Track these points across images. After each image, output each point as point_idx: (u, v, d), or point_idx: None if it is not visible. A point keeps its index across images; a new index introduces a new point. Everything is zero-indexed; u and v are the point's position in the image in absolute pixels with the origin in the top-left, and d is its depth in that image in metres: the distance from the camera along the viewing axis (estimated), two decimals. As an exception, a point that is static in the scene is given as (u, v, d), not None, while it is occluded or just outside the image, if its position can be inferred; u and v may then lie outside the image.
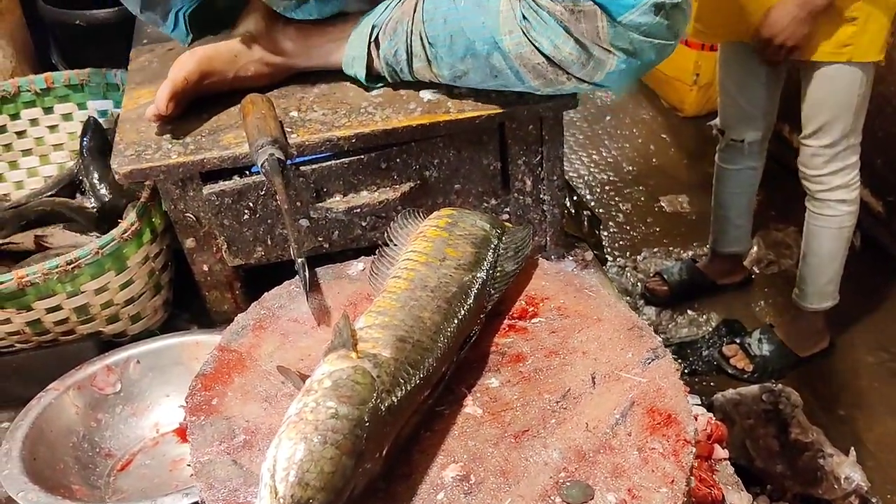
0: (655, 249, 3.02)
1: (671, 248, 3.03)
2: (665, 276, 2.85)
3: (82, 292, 1.23)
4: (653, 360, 0.82)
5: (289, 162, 1.13)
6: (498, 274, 0.90)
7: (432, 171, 1.29)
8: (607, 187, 3.37)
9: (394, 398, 0.70)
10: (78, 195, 1.54)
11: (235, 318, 0.93)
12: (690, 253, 2.99)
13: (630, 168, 3.47)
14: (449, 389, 0.81)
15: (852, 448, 2.01)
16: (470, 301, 0.83)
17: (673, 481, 0.71)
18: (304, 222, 1.28)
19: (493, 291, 0.88)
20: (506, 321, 0.89)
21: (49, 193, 1.54)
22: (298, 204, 1.27)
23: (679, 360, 2.55)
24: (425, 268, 0.84)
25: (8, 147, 1.61)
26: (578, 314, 0.89)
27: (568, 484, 0.71)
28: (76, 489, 1.10)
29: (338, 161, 1.25)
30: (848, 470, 1.90)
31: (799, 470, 1.96)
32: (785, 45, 2.06)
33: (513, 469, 0.73)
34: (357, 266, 0.99)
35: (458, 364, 0.82)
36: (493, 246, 0.92)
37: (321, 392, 0.68)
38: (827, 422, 2.27)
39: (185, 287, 1.41)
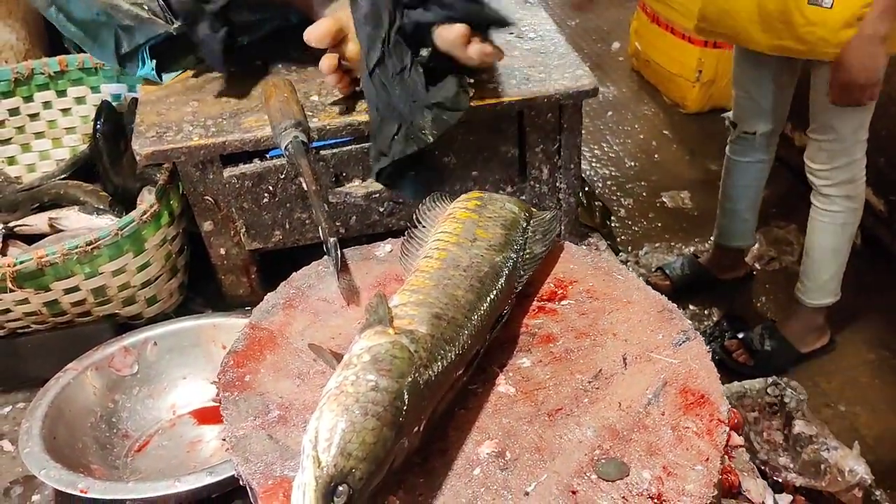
0: (657, 245, 3.03)
1: (673, 244, 3.04)
2: (667, 271, 2.85)
3: (100, 273, 1.23)
4: (684, 341, 0.82)
5: (312, 145, 1.13)
6: (527, 256, 0.90)
7: (451, 158, 1.29)
8: (609, 182, 3.38)
9: (431, 373, 0.71)
10: (91, 179, 1.54)
11: (265, 297, 0.93)
12: (692, 248, 3.00)
13: (632, 164, 3.48)
14: (481, 368, 0.81)
15: (856, 442, 2.02)
16: (501, 281, 0.83)
17: (708, 459, 0.72)
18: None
19: (522, 273, 0.88)
20: (535, 303, 0.90)
21: (62, 176, 1.54)
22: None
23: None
24: (457, 248, 0.85)
25: (21, 129, 1.60)
26: (608, 297, 0.89)
27: (603, 461, 0.72)
28: (95, 468, 1.10)
29: (358, 146, 1.25)
30: (852, 463, 1.91)
31: (803, 463, 1.97)
32: (868, 84, 2.05)
33: (547, 446, 0.74)
34: (385, 248, 0.99)
35: (490, 343, 0.82)
36: (521, 228, 0.92)
37: (361, 366, 0.68)
38: (828, 418, 2.29)
39: (199, 271, 1.41)
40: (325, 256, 0.97)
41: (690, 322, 0.85)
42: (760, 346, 2.51)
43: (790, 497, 1.92)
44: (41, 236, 1.43)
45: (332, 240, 0.95)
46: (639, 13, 3.82)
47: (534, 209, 1.00)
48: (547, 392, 0.79)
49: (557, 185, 1.38)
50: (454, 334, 0.75)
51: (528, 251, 0.91)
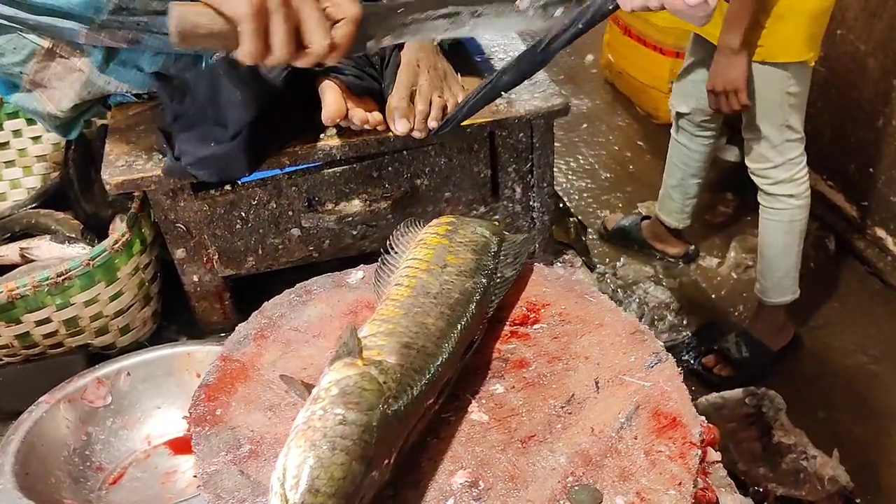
0: (634, 256, 3.04)
1: (650, 254, 3.05)
2: (608, 227, 3.10)
3: (72, 304, 1.22)
4: (656, 363, 0.83)
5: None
6: (498, 280, 0.90)
7: (423, 180, 1.30)
8: (585, 194, 3.38)
9: (401, 404, 0.70)
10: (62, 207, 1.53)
11: (236, 328, 0.93)
12: (666, 259, 3.01)
13: (607, 175, 3.49)
14: (454, 396, 0.81)
15: (836, 449, 2.03)
16: (472, 307, 0.83)
17: (681, 483, 0.72)
18: (295, 231, 1.28)
19: (493, 297, 0.89)
20: (507, 327, 0.90)
21: (33, 205, 1.53)
22: (290, 213, 1.27)
23: (661, 366, 2.56)
24: (427, 275, 0.84)
25: (-10, 159, 1.59)
26: (580, 319, 0.90)
27: (577, 488, 0.72)
28: (68, 503, 1.08)
29: (330, 170, 1.25)
30: (832, 471, 1.93)
31: (782, 472, 1.97)
32: (726, 91, 2.16)
33: (521, 474, 0.73)
34: (357, 275, 0.99)
35: (461, 370, 0.82)
36: (493, 252, 0.92)
37: (329, 399, 0.68)
38: (808, 424, 2.29)
39: (173, 298, 1.40)
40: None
41: (662, 343, 0.86)
42: (738, 353, 2.52)
43: (771, 507, 1.93)
44: (13, 266, 1.41)
45: None
46: (611, 25, 3.84)
47: (506, 232, 1.00)
48: (520, 419, 0.79)
49: (531, 203, 1.38)
50: (424, 363, 0.74)
51: (499, 275, 0.91)
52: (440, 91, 1.21)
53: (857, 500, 1.97)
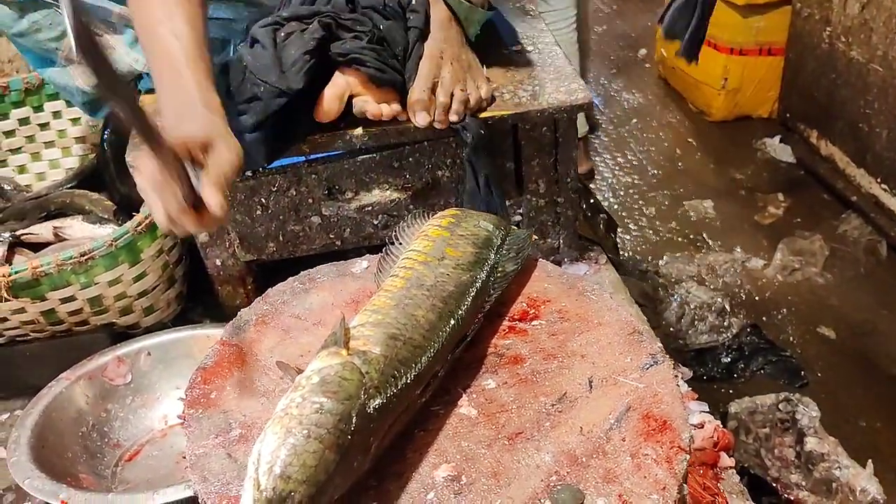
0: (678, 254, 2.99)
1: (694, 254, 2.99)
2: None
3: (96, 284, 1.25)
4: (651, 365, 0.81)
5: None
6: (498, 274, 0.89)
7: (444, 171, 1.29)
8: (631, 191, 3.34)
9: (383, 395, 0.70)
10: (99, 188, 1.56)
11: (239, 313, 0.94)
12: (713, 258, 2.95)
13: (655, 172, 3.43)
14: (445, 389, 0.81)
15: (869, 461, 1.97)
16: (467, 301, 0.83)
17: (664, 488, 0.70)
18: (315, 219, 1.29)
19: (491, 291, 0.88)
20: (506, 322, 0.89)
21: (69, 185, 1.57)
22: (310, 201, 1.27)
23: (697, 367, 2.52)
24: (423, 266, 0.84)
25: (31, 139, 1.63)
26: (579, 317, 0.88)
27: (559, 487, 0.71)
28: (83, 478, 1.11)
29: (351, 159, 1.25)
30: (864, 482, 1.87)
31: (814, 481, 1.93)
32: None
33: (504, 471, 0.73)
34: (361, 264, 0.99)
35: (453, 364, 0.82)
36: (494, 246, 0.91)
37: (308, 388, 0.68)
38: (848, 432, 2.23)
39: (199, 281, 1.42)
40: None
41: (660, 345, 0.84)
42: None
43: (802, 515, 1.89)
44: (46, 244, 1.45)
45: None
46: (666, 19, 3.79)
47: (513, 227, 1.00)
48: (509, 415, 0.78)
49: (555, 198, 1.37)
50: (410, 355, 0.74)
51: (500, 269, 0.90)
52: (463, 84, 1.21)
53: (890, 513, 1.91)
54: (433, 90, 1.19)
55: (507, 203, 1.35)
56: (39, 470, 1.04)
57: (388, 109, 1.18)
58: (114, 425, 1.22)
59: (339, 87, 1.17)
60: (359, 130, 1.22)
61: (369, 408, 0.68)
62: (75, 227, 1.45)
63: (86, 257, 1.22)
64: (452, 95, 1.19)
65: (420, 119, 1.18)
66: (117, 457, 1.19)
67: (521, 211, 1.37)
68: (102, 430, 1.20)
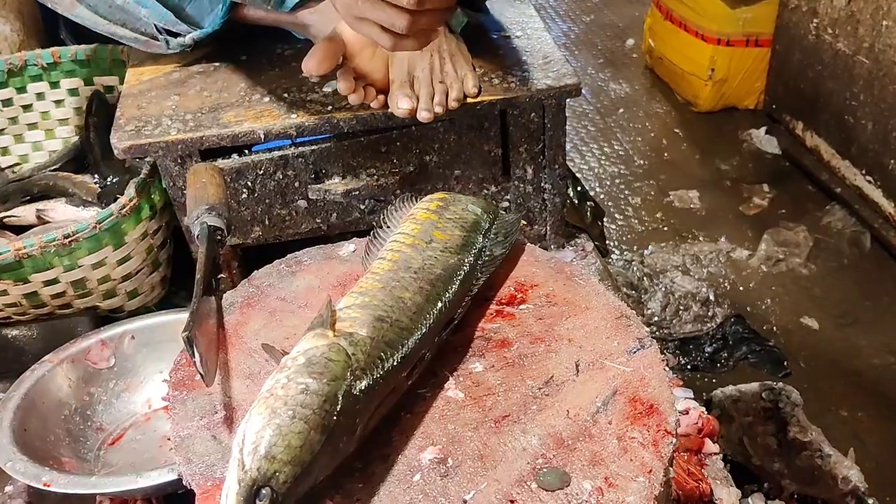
0: (663, 244, 3.00)
1: (679, 244, 3.01)
2: None
3: (79, 266, 1.24)
4: (638, 349, 0.81)
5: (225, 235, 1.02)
6: (486, 258, 0.89)
7: (432, 156, 1.29)
8: (617, 180, 3.34)
9: (369, 377, 0.70)
10: (83, 170, 1.55)
11: (224, 295, 0.93)
12: (698, 249, 2.97)
13: (641, 162, 3.44)
14: (432, 372, 0.81)
15: (851, 449, 1.99)
16: (455, 284, 0.83)
17: (651, 471, 0.70)
18: (302, 203, 1.29)
19: (479, 275, 0.88)
20: (493, 306, 0.89)
21: (52, 168, 1.55)
22: (297, 185, 1.27)
23: (681, 356, 2.54)
24: (411, 249, 0.84)
25: (14, 120, 1.61)
26: (567, 302, 0.88)
27: (545, 470, 0.71)
28: (66, 461, 1.10)
29: (338, 143, 1.25)
30: (846, 470, 1.89)
31: (796, 469, 1.94)
32: None
33: (491, 454, 0.73)
34: (348, 247, 0.99)
35: (440, 346, 0.81)
36: (483, 230, 0.91)
37: (294, 368, 0.68)
38: (829, 422, 2.25)
39: (184, 265, 1.41)
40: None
41: (648, 329, 0.84)
42: None
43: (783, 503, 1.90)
44: (29, 227, 1.44)
45: (183, 335, 0.80)
46: (653, 10, 3.78)
47: (502, 211, 0.99)
48: (496, 398, 0.78)
49: (542, 185, 1.37)
50: (397, 337, 0.74)
51: (488, 253, 0.90)
52: (441, 77, 1.19)
53: (870, 501, 1.93)
54: (411, 84, 1.18)
55: (495, 189, 1.34)
56: (22, 453, 1.02)
57: (377, 101, 1.16)
58: (97, 409, 1.20)
59: (332, 40, 1.11)
60: (346, 114, 1.21)
61: (355, 389, 0.68)
62: (58, 210, 1.44)
63: (69, 240, 1.20)
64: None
65: (400, 114, 1.16)
66: (100, 440, 1.18)
67: (508, 197, 1.37)
68: (85, 413, 1.19)
